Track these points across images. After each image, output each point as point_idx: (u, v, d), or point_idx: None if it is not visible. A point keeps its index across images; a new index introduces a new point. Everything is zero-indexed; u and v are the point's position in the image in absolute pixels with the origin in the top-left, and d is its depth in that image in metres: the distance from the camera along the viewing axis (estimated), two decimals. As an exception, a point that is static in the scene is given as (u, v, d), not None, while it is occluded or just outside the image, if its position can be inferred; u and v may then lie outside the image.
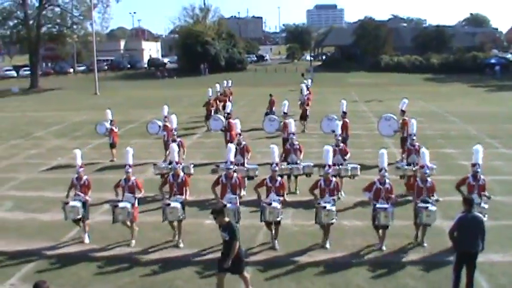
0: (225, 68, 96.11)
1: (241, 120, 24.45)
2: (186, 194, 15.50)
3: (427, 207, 14.58)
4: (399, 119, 25.46)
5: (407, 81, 77.34)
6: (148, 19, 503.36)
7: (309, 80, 52.80)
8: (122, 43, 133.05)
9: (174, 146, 17.65)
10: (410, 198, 16.57)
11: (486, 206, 14.85)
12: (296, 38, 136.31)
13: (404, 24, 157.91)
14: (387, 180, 15.17)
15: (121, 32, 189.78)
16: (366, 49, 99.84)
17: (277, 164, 16.22)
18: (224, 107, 36.34)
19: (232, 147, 17.13)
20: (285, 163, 20.06)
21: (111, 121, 27.94)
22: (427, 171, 15.82)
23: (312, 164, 20.08)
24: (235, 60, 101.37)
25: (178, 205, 15.03)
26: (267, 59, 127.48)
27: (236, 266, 11.66)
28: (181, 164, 17.85)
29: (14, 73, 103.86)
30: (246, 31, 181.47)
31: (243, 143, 20.57)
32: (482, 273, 12.71)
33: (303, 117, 34.96)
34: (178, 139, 21.48)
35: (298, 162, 20.13)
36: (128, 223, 15.50)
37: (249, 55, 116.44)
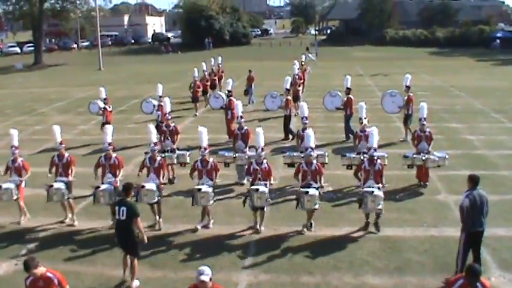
0: (229, 42, 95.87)
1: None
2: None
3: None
4: (404, 95, 24.64)
5: (412, 55, 76.85)
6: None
7: (314, 54, 52.31)
8: (126, 18, 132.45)
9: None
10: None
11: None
12: (300, 12, 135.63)
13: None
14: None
15: (125, 7, 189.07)
16: (371, 23, 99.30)
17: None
18: (213, 87, 35.73)
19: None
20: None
21: (104, 99, 26.34)
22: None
23: (325, 154, 18.36)
24: (240, 34, 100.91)
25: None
26: (271, 33, 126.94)
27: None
28: (175, 151, 18.39)
29: (17, 49, 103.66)
30: (250, 5, 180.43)
31: (245, 127, 19.28)
32: (486, 247, 12.66)
33: (295, 98, 29.25)
34: (172, 124, 20.05)
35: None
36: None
37: (253, 29, 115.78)
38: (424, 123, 18.30)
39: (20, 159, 16.12)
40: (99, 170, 15.82)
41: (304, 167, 14.86)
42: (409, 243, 13.65)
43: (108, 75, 62.13)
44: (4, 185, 15.45)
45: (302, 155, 16.86)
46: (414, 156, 17.74)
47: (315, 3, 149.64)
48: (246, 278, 12.30)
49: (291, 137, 24.35)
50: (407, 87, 24.53)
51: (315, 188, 14.37)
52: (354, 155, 17.84)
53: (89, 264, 13.09)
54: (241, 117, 19.93)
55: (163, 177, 15.59)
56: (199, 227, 14.89)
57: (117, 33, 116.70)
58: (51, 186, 15.18)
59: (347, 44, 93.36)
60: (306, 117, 19.49)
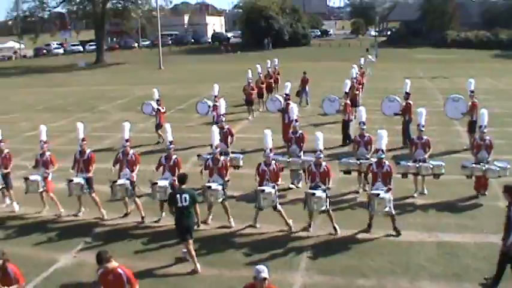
0: (288, 42, 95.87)
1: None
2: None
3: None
4: (468, 101, 23.30)
5: (474, 58, 75.48)
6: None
7: (374, 55, 51.61)
8: (186, 18, 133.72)
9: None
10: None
11: None
12: (360, 13, 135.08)
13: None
14: (273, 162, 15.12)
15: (185, 7, 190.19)
16: (432, 24, 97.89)
17: (171, 142, 16.01)
18: (269, 90, 34.92)
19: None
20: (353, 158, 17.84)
21: (157, 100, 26.01)
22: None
23: (443, 164, 17.17)
24: (299, 35, 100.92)
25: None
26: (331, 34, 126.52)
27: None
28: (229, 154, 18.00)
29: (80, 48, 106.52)
30: (310, 6, 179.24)
31: (300, 131, 18.65)
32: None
33: (353, 102, 27.16)
34: (226, 126, 19.49)
35: (368, 156, 17.48)
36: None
37: (312, 30, 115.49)
38: (485, 131, 17.20)
39: (47, 153, 16.81)
40: (117, 166, 16.17)
41: (313, 169, 14.79)
42: (467, 250, 13.33)
43: (168, 74, 62.85)
44: (32, 177, 16.34)
45: (358, 162, 16.85)
46: (473, 166, 16.67)
47: (375, 5, 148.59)
48: (301, 279, 12.22)
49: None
50: (472, 92, 23.23)
51: (322, 189, 14.28)
52: (409, 163, 16.99)
53: (142, 260, 13.28)
54: (296, 120, 19.29)
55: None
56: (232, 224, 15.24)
57: (177, 32, 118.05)
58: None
59: (407, 45, 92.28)
60: (364, 123, 18.60)
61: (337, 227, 14.52)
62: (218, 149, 15.79)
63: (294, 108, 20.57)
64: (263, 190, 14.44)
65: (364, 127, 18.27)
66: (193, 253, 12.58)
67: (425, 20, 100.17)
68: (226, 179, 15.32)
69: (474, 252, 13.19)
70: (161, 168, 15.84)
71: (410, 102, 23.77)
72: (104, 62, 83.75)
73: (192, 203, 12.61)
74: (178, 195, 12.55)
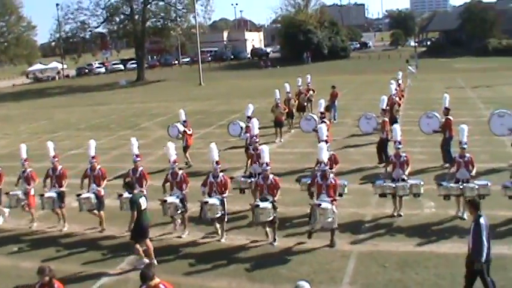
0: (328, 56, 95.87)
1: (344, 108, 23.47)
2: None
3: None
4: None
5: (517, 66, 74.30)
6: (250, 9, 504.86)
7: (414, 66, 50.94)
8: (225, 34, 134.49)
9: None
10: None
11: None
12: (399, 24, 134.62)
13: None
14: (221, 174, 15.52)
15: (224, 23, 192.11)
16: (472, 33, 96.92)
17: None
18: (301, 110, 33.05)
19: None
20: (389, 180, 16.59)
21: (184, 122, 25.06)
22: None
23: (421, 182, 16.41)
24: (338, 48, 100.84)
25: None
26: (370, 46, 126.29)
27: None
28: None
29: (121, 66, 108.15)
30: (348, 18, 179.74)
31: (331, 152, 17.20)
32: None
33: (392, 121, 24.47)
34: (260, 147, 17.63)
35: (405, 178, 16.40)
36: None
37: (352, 42, 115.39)
38: None
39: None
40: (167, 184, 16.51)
41: (261, 181, 15.04)
42: (515, 262, 13.07)
43: (208, 90, 63.28)
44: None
45: (394, 185, 16.11)
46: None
47: (414, 15, 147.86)
48: (345, 294, 12.12)
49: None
50: None
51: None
52: (452, 184, 15.82)
53: (187, 275, 13.32)
54: (326, 141, 17.59)
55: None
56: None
57: (216, 48, 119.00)
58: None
59: (447, 55, 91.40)
60: (400, 142, 17.28)
61: (276, 238, 14.86)
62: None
63: (322, 128, 18.69)
64: (206, 202, 14.80)
65: (400, 146, 17.06)
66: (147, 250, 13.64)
67: (465, 29, 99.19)
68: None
69: (522, 264, 12.92)
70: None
71: (450, 118, 22.13)
72: (145, 80, 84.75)
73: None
74: (140, 199, 13.57)
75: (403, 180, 16.22)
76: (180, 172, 16.29)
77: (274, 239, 14.84)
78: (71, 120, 44.86)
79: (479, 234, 10.55)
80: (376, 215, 16.63)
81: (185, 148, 24.58)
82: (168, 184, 16.21)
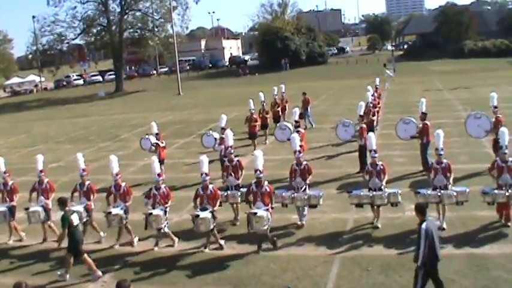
0: (305, 62, 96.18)
1: (323, 114, 23.47)
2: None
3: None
4: (492, 117, 21.51)
5: (493, 66, 74.91)
6: (227, 18, 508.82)
7: (392, 70, 51.18)
8: (203, 43, 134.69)
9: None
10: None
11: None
12: (376, 28, 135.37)
13: (489, 7, 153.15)
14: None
15: (201, 32, 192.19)
16: (448, 36, 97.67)
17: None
18: (276, 120, 31.81)
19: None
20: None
21: (157, 134, 24.40)
22: None
23: (398, 191, 16.02)
24: (316, 54, 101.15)
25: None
26: (347, 51, 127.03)
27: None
28: (239, 189, 17.25)
29: (99, 78, 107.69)
30: (325, 24, 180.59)
31: (304, 162, 16.96)
32: None
33: (369, 128, 23.93)
34: (235, 159, 18.04)
35: (382, 187, 16.05)
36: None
37: (329, 48, 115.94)
38: (506, 151, 15.58)
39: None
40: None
41: (200, 192, 15.58)
42: (496, 261, 13.14)
43: (187, 100, 63.22)
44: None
45: (371, 195, 15.78)
46: (496, 192, 15.08)
47: (390, 19, 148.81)
48: (329, 299, 12.16)
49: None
50: (495, 108, 21.66)
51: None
52: (429, 191, 15.46)
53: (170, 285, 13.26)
54: (300, 151, 17.35)
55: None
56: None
57: (194, 57, 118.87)
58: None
59: (424, 58, 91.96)
60: (375, 151, 16.82)
61: (222, 242, 15.38)
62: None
63: (295, 138, 18.32)
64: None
65: (376, 155, 16.58)
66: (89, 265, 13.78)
67: (441, 32, 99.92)
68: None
69: (503, 263, 13.00)
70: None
71: (428, 123, 21.69)
72: (124, 91, 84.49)
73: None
74: (72, 216, 13.79)
75: (380, 189, 15.90)
76: (123, 184, 16.52)
77: (221, 244, 15.31)
78: (49, 133, 44.58)
79: (418, 239, 10.86)
80: (358, 219, 16.69)
81: (160, 161, 22.45)
82: (111, 196, 16.49)
